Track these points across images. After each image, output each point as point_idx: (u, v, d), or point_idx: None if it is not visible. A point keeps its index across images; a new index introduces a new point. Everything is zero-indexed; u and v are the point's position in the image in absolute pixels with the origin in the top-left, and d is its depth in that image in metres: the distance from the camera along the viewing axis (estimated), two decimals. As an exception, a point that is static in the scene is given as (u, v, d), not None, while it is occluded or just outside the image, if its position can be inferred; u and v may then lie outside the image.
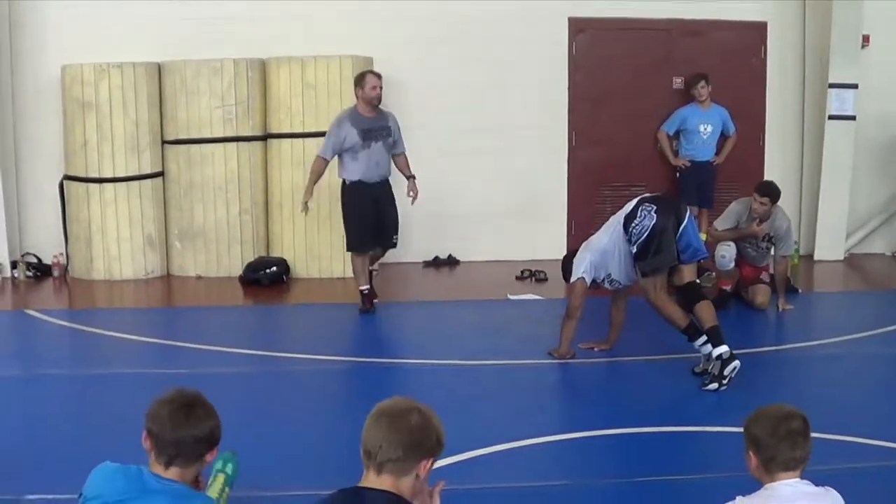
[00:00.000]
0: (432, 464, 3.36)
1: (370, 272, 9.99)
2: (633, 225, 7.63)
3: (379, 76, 9.70)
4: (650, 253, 7.55)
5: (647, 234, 7.52)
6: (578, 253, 8.18)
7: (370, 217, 9.65)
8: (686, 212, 7.74)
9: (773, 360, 8.52)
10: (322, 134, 11.05)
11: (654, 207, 7.59)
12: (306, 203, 9.63)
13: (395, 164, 9.85)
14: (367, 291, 9.76)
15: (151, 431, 3.71)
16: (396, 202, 9.85)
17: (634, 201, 7.79)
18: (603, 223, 12.15)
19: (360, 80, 9.65)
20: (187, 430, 3.67)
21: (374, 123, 9.58)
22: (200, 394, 3.81)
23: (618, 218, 7.91)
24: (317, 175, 9.64)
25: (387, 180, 9.74)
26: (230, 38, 11.35)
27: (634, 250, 7.63)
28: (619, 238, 7.81)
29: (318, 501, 3.36)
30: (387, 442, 3.27)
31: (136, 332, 9.10)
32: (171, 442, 3.67)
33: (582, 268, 8.01)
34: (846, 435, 6.32)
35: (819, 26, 12.19)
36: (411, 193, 9.88)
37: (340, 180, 9.74)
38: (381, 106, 9.73)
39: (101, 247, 11.18)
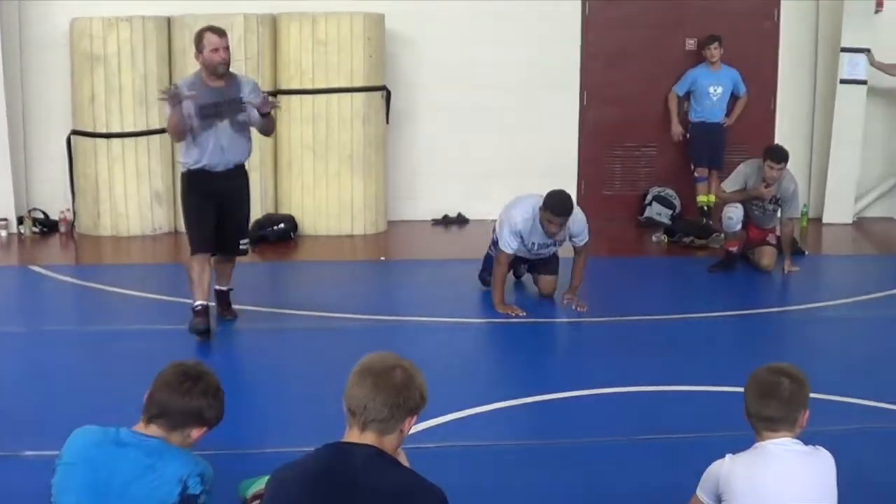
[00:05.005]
0: (415, 420, 3.38)
1: (225, 291, 8.16)
2: None
3: (222, 34, 7.56)
4: None
5: None
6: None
7: (210, 212, 7.62)
8: None
9: (776, 321, 8.54)
10: (333, 90, 11.13)
11: None
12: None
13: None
14: (199, 308, 7.49)
15: (151, 387, 3.78)
16: (251, 199, 8.07)
17: None
18: (613, 183, 12.32)
19: (197, 42, 7.52)
20: (175, 397, 3.74)
21: (219, 96, 7.47)
22: (213, 375, 3.87)
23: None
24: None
25: (240, 169, 7.76)
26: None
27: None
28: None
29: (302, 457, 3.37)
30: (372, 402, 3.29)
31: (142, 289, 9.08)
32: (158, 402, 3.75)
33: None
34: (849, 397, 6.35)
35: (833, -10, 12.13)
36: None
37: (182, 167, 7.80)
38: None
39: (108, 202, 11.17)
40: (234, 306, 8.22)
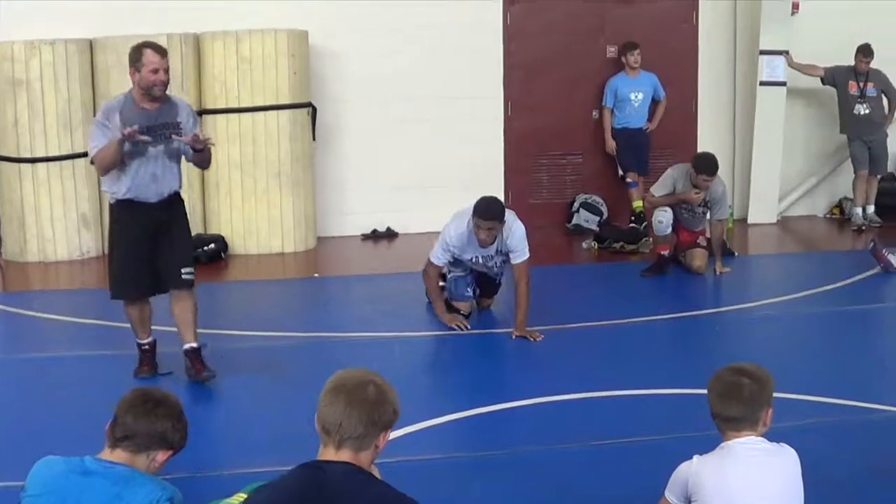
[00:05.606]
0: (389, 434, 3.39)
1: (196, 349, 7.12)
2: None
3: (164, 53, 6.84)
4: None
5: None
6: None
7: (142, 250, 6.91)
8: None
9: (711, 322, 8.67)
10: (259, 108, 11.07)
11: None
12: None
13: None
14: (146, 347, 7.21)
15: (115, 412, 3.76)
16: (189, 225, 7.27)
17: None
18: (540, 191, 12.39)
19: (135, 58, 6.75)
20: (140, 419, 3.75)
21: (154, 119, 6.77)
22: (177, 400, 3.91)
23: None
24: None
25: (174, 197, 7.02)
26: (164, 13, 11.14)
27: None
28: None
29: (279, 478, 3.36)
30: (346, 419, 3.27)
31: (72, 314, 8.94)
32: (123, 424, 3.75)
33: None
34: (785, 393, 6.42)
35: (749, -7, 12.34)
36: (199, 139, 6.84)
37: (110, 198, 7.10)
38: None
39: (34, 228, 10.99)
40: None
